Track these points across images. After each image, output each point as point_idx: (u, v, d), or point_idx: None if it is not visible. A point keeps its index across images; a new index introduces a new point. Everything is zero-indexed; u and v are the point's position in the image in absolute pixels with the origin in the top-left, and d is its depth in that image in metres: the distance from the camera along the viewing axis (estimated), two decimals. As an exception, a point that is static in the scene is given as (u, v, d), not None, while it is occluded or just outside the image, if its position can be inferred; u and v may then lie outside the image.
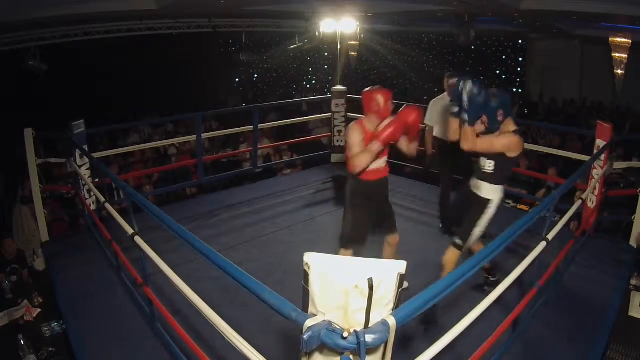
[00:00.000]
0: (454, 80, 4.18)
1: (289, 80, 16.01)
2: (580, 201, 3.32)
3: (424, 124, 4.37)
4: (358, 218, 3.21)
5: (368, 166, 3.06)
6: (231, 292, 3.13)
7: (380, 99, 3.08)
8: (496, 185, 2.97)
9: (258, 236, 4.56)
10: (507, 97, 2.81)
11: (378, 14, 8.79)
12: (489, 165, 2.93)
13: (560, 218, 3.08)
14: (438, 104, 4.48)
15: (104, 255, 3.95)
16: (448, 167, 4.51)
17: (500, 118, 2.79)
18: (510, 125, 2.86)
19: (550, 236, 2.77)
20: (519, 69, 13.01)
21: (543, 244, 2.68)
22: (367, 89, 3.16)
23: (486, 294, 2.13)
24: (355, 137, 3.01)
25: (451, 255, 3.04)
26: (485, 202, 2.99)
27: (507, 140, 2.81)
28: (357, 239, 3.27)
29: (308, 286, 1.46)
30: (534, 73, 12.62)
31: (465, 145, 2.81)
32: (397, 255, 3.49)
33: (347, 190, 3.27)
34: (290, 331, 2.42)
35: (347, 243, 3.29)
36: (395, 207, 5.25)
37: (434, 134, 4.53)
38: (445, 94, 4.36)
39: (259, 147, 6.29)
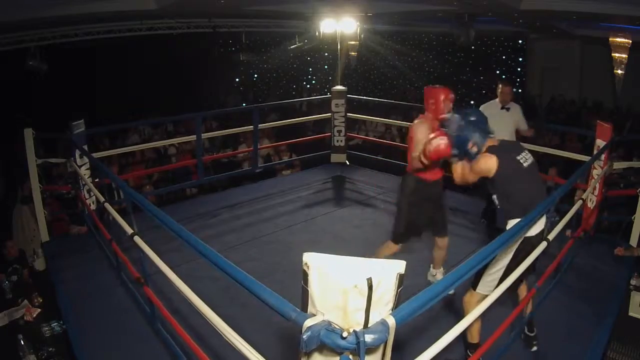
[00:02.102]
0: (507, 89, 4.32)
1: (289, 80, 16.00)
2: (580, 201, 3.32)
3: None
4: (413, 216, 3.20)
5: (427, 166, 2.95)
6: (231, 292, 3.14)
7: (438, 96, 3.03)
8: (510, 220, 2.51)
9: (258, 236, 4.56)
10: (477, 121, 2.52)
11: (378, 14, 8.79)
12: (495, 200, 2.59)
13: (561, 218, 3.08)
14: (487, 110, 4.06)
15: (104, 255, 3.95)
16: None
17: (473, 149, 2.49)
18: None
19: (550, 236, 2.76)
20: (519, 69, 13.00)
21: (543, 244, 2.68)
22: (429, 86, 3.15)
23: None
24: (422, 133, 2.88)
25: (469, 298, 2.58)
26: None
27: (478, 162, 2.50)
28: (409, 236, 3.29)
29: (307, 286, 1.46)
30: (534, 73, 12.62)
31: (456, 180, 2.62)
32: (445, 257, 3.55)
33: (404, 187, 3.24)
34: (289, 331, 2.42)
35: (398, 238, 3.30)
36: (395, 207, 5.28)
37: None
38: (497, 100, 4.37)
39: (259, 147, 6.29)
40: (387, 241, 3.35)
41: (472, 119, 2.50)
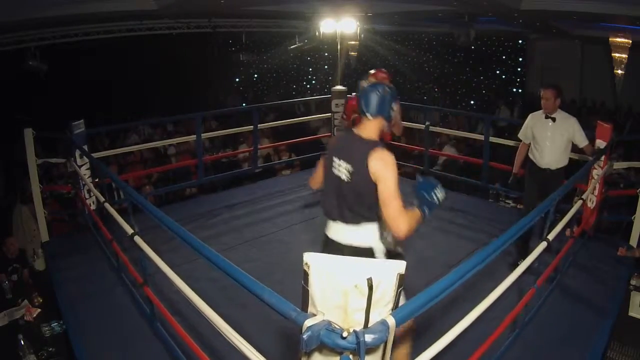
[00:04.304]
0: (547, 93, 3.62)
1: (289, 80, 16.00)
2: (580, 202, 3.32)
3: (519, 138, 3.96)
4: None
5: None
6: (231, 292, 3.13)
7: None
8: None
9: (258, 236, 4.56)
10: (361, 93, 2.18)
11: (378, 14, 8.79)
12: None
13: (561, 218, 3.08)
14: (532, 119, 3.85)
15: (104, 255, 3.95)
16: (535, 195, 3.82)
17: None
18: None
19: (550, 236, 2.77)
20: (519, 69, 13.00)
21: (543, 244, 2.68)
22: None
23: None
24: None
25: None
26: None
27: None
28: None
29: (307, 286, 1.46)
30: (534, 73, 12.62)
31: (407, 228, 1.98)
32: None
33: None
34: (289, 331, 2.42)
35: None
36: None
37: (529, 154, 3.90)
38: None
39: (259, 147, 6.29)
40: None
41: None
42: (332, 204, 2.15)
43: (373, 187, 2.01)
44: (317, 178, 2.38)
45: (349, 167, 2.06)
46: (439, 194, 2.11)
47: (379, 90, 2.10)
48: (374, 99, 2.08)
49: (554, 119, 3.70)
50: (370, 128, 2.12)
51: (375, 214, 2.09)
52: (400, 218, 1.95)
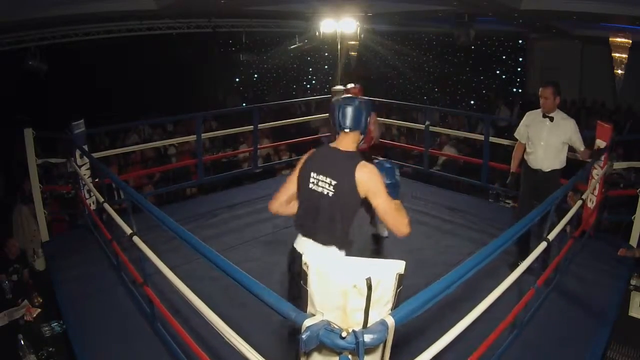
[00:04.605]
0: (545, 91, 3.49)
1: (289, 80, 16.00)
2: (580, 201, 3.32)
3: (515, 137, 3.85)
4: None
5: None
6: (230, 292, 3.13)
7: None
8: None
9: (257, 236, 4.56)
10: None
11: (378, 14, 8.79)
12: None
13: (561, 218, 3.08)
14: (529, 117, 3.72)
15: (104, 255, 3.95)
16: (528, 197, 3.74)
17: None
18: None
19: (550, 236, 2.77)
20: (519, 69, 13.01)
21: (543, 244, 2.68)
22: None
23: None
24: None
25: None
26: None
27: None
28: None
29: (307, 286, 1.46)
30: (534, 73, 12.62)
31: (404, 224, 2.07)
32: None
33: None
34: (289, 331, 2.42)
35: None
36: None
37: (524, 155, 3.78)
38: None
39: (259, 147, 6.29)
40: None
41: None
42: (307, 220, 2.13)
43: (358, 200, 2.04)
44: (280, 199, 2.29)
45: (332, 181, 2.04)
46: (397, 173, 2.17)
47: (355, 104, 2.09)
48: (349, 113, 2.07)
49: (551, 119, 3.55)
50: (347, 142, 2.12)
51: (346, 241, 2.10)
52: (401, 222, 2.02)
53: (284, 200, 2.28)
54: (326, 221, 2.07)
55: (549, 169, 3.60)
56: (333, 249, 2.10)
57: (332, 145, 2.17)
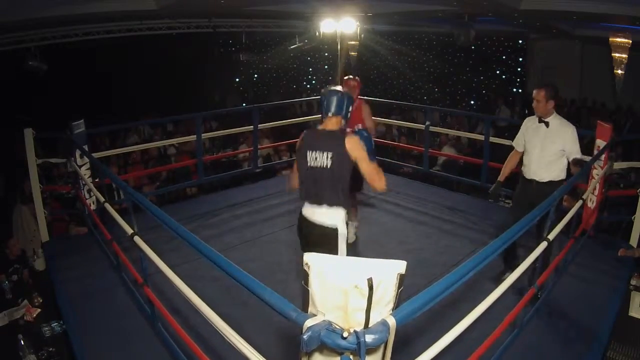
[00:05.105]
0: (539, 94, 3.26)
1: (289, 80, 16.00)
2: (580, 201, 3.32)
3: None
4: None
5: None
6: (231, 292, 3.13)
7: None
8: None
9: (258, 236, 4.56)
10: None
11: (378, 14, 8.79)
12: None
13: (561, 218, 3.08)
14: (527, 123, 3.48)
15: (104, 255, 3.95)
16: (519, 207, 3.41)
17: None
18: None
19: (550, 236, 2.77)
20: (519, 69, 13.00)
21: (544, 244, 2.68)
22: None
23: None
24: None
25: None
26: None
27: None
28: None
29: (308, 286, 1.46)
30: (534, 73, 12.62)
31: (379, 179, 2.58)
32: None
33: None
34: (290, 331, 2.42)
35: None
36: (396, 207, 5.28)
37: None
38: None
39: (259, 147, 6.29)
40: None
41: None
42: (312, 191, 2.58)
43: (351, 164, 2.53)
44: (294, 179, 2.76)
45: (329, 154, 2.51)
46: (372, 142, 2.73)
47: (338, 94, 2.60)
48: (334, 101, 2.58)
49: (547, 124, 3.29)
50: (332, 123, 2.61)
51: (345, 200, 2.57)
52: (379, 178, 2.55)
53: (297, 179, 2.71)
54: (329, 187, 2.53)
55: (544, 180, 3.30)
56: (338, 209, 2.56)
57: (320, 127, 2.66)
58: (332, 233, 2.55)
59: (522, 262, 2.54)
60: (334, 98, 2.58)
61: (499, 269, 3.54)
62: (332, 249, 2.53)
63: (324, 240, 2.55)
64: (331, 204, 2.54)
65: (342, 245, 2.58)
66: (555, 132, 3.27)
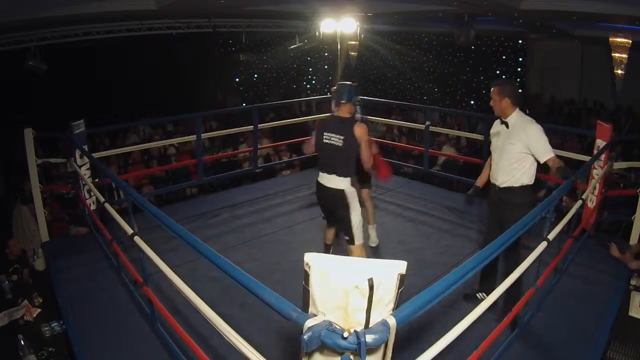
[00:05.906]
0: (493, 90, 3.02)
1: (289, 80, 16.00)
2: (580, 201, 3.32)
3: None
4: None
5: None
6: (231, 292, 3.13)
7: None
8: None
9: (258, 236, 4.56)
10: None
11: (378, 14, 8.79)
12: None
13: (561, 218, 3.08)
14: (494, 127, 3.23)
15: (104, 255, 3.95)
16: (490, 215, 3.33)
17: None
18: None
19: (550, 236, 2.77)
20: (519, 69, 12.99)
21: (544, 244, 2.68)
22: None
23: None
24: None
25: (356, 252, 3.35)
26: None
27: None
28: None
29: (308, 286, 1.46)
30: (534, 73, 12.62)
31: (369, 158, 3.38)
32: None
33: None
34: (290, 331, 2.42)
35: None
36: (396, 207, 5.28)
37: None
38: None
39: (259, 147, 6.29)
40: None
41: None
42: (326, 163, 3.32)
43: (357, 145, 3.23)
44: (310, 145, 3.48)
45: (340, 137, 3.22)
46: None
47: (347, 86, 3.30)
48: (344, 91, 3.27)
49: (507, 125, 3.04)
50: (344, 111, 3.29)
51: (351, 171, 3.30)
52: (368, 159, 3.33)
53: (313, 144, 3.43)
54: (340, 161, 3.26)
55: (502, 185, 3.07)
56: (345, 178, 3.27)
57: (335, 114, 3.33)
58: (340, 193, 3.26)
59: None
60: (343, 89, 3.27)
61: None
62: (343, 205, 3.26)
63: (335, 199, 3.29)
64: (340, 174, 3.25)
65: (353, 201, 3.28)
66: (514, 132, 2.99)
